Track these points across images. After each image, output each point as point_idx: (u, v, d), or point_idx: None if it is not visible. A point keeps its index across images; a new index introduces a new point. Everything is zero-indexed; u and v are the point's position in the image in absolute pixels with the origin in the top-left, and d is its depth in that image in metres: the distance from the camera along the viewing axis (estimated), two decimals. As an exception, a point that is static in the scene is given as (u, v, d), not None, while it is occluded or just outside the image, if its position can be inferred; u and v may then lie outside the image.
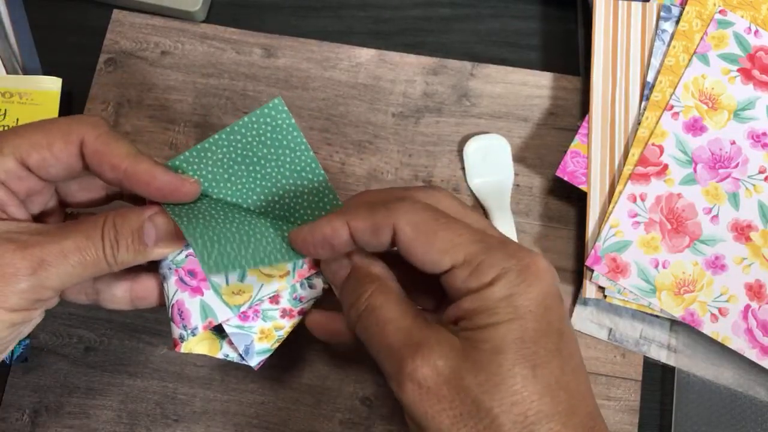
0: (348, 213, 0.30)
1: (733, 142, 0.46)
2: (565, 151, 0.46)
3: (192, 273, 0.32)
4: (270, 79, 0.50)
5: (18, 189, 0.29)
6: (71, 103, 0.49)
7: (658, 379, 0.45)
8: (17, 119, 0.46)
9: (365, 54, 0.50)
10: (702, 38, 0.47)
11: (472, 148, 0.48)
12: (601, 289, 0.44)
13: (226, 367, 0.44)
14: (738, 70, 0.46)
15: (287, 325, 0.34)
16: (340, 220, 0.30)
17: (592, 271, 0.44)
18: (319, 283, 0.34)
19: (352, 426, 0.44)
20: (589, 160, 0.46)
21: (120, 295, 0.33)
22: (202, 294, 0.32)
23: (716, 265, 0.44)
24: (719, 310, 0.43)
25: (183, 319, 0.32)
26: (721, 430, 0.44)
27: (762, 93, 0.46)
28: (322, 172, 0.34)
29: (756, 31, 0.47)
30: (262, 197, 0.34)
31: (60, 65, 0.49)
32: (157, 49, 0.50)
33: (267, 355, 0.34)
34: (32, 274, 0.26)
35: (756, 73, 0.47)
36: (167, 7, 0.50)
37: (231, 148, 0.33)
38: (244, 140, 0.33)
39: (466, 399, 0.26)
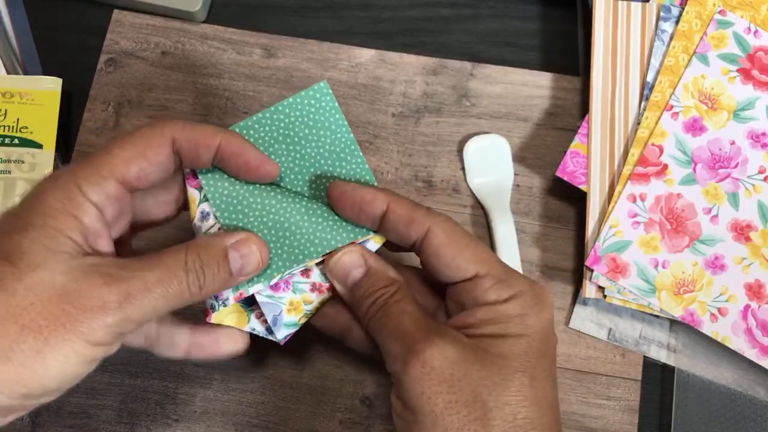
0: (392, 195, 0.32)
1: (733, 142, 0.46)
2: (565, 151, 0.46)
3: None
4: (270, 79, 0.50)
5: (113, 214, 0.29)
6: (71, 103, 0.49)
7: (658, 379, 0.45)
8: (17, 119, 0.46)
9: (365, 54, 0.50)
10: (702, 38, 0.47)
11: (472, 148, 0.48)
12: (601, 289, 0.44)
13: (226, 366, 0.44)
14: (737, 70, 0.47)
15: (316, 300, 0.34)
16: (383, 196, 0.32)
17: (592, 271, 0.44)
18: None
19: (352, 426, 0.44)
20: (589, 160, 0.46)
21: (179, 343, 0.33)
22: None
23: (716, 265, 0.44)
24: (719, 310, 0.43)
25: None
26: (720, 430, 0.44)
27: (762, 93, 0.46)
28: (361, 154, 0.35)
29: (755, 32, 0.47)
30: (299, 177, 0.34)
31: (60, 65, 0.49)
32: (157, 49, 0.50)
33: (294, 329, 0.34)
34: (118, 308, 0.26)
35: (755, 73, 0.47)
36: (167, 7, 0.50)
37: (274, 127, 0.34)
38: (287, 120, 0.34)
39: (465, 387, 0.28)
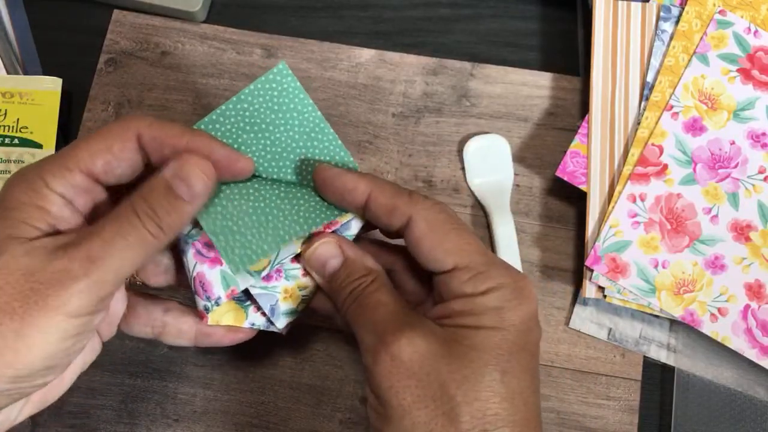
0: (375, 182, 0.31)
1: (733, 142, 0.46)
2: (565, 151, 0.46)
3: (208, 245, 0.32)
4: (270, 79, 0.50)
5: (84, 204, 0.29)
6: (71, 104, 0.49)
7: (658, 379, 0.45)
8: (17, 119, 0.46)
9: (365, 54, 0.50)
10: (701, 38, 0.47)
11: (472, 148, 0.48)
12: (601, 289, 0.44)
13: (225, 366, 0.44)
14: (737, 70, 0.47)
15: (310, 284, 0.34)
16: (365, 183, 0.31)
17: (592, 271, 0.44)
18: None
19: (352, 426, 0.44)
20: (589, 160, 0.46)
21: (186, 330, 0.34)
22: (222, 264, 0.32)
23: (716, 265, 0.44)
24: (719, 309, 0.43)
25: (206, 290, 0.32)
26: (720, 430, 0.44)
27: (761, 93, 0.46)
28: (332, 131, 0.34)
29: (755, 32, 0.47)
30: (273, 164, 0.34)
31: (60, 65, 0.49)
32: (157, 49, 0.50)
33: (293, 317, 0.34)
34: (85, 273, 0.26)
35: (755, 73, 0.47)
36: (167, 7, 0.50)
37: (239, 118, 0.33)
38: (251, 108, 0.33)
39: (433, 382, 0.28)
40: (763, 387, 0.45)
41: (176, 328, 0.33)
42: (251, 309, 0.34)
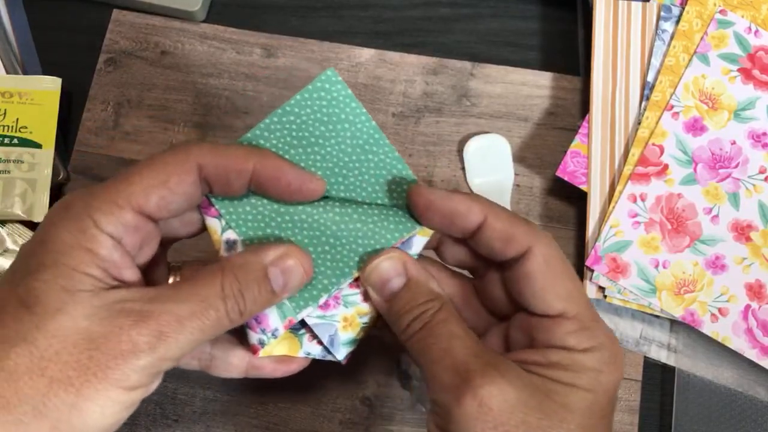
0: (489, 206, 0.29)
1: (734, 142, 0.46)
2: (565, 151, 0.46)
3: None
4: (270, 79, 0.50)
5: (133, 243, 0.27)
6: (71, 103, 0.49)
7: (658, 379, 0.45)
8: (17, 119, 0.46)
9: (365, 54, 0.50)
10: (702, 38, 0.47)
11: (472, 148, 0.48)
12: (602, 289, 0.44)
13: (226, 367, 0.44)
14: (738, 70, 0.46)
15: (371, 311, 0.31)
16: (478, 207, 0.28)
17: (593, 271, 0.44)
18: None
19: (352, 426, 0.44)
20: (589, 160, 0.46)
21: (236, 363, 0.31)
22: None
23: (716, 265, 0.44)
24: (719, 310, 0.43)
25: (260, 323, 0.29)
26: (721, 430, 0.44)
27: (762, 93, 0.46)
28: (388, 142, 0.31)
29: (756, 31, 0.47)
30: (326, 181, 0.31)
31: (60, 65, 0.49)
32: (157, 48, 0.50)
33: (353, 347, 0.31)
34: (151, 350, 0.24)
35: (756, 72, 0.46)
36: (167, 6, 0.50)
37: (285, 131, 0.30)
38: (298, 120, 0.30)
39: None
40: (763, 387, 0.44)
41: (225, 361, 0.31)
42: (306, 338, 0.32)
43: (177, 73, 0.50)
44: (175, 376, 0.44)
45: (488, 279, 0.31)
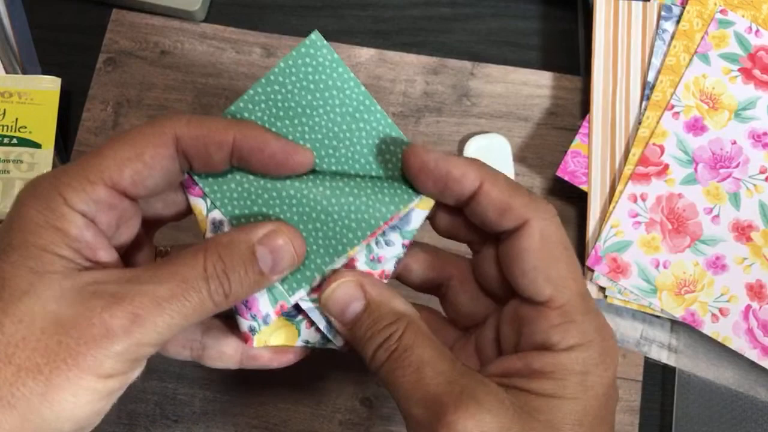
0: (486, 172, 0.26)
1: (734, 142, 0.45)
2: (566, 151, 0.46)
3: None
4: (270, 78, 0.50)
5: (108, 222, 0.25)
6: (70, 103, 0.49)
7: (659, 380, 0.45)
8: (16, 119, 0.46)
9: (365, 53, 0.50)
10: (703, 38, 0.47)
11: (472, 147, 0.48)
12: (602, 289, 0.44)
13: (225, 367, 0.44)
14: (739, 70, 0.46)
15: None
16: (474, 172, 0.26)
17: (593, 271, 0.44)
18: (396, 238, 0.29)
19: (352, 426, 0.44)
20: (590, 160, 0.46)
21: (230, 353, 0.29)
22: None
23: (717, 265, 0.44)
24: (720, 310, 0.43)
25: (250, 308, 0.28)
26: (721, 431, 0.44)
27: (763, 93, 0.46)
28: (379, 108, 0.29)
29: (757, 31, 0.47)
30: (315, 152, 0.29)
31: (59, 65, 0.49)
32: (156, 48, 0.50)
33: None
34: (126, 334, 0.22)
35: (757, 72, 0.46)
36: (167, 6, 0.49)
37: (270, 103, 0.28)
38: (283, 90, 0.28)
39: None
40: (764, 387, 0.44)
41: (217, 350, 0.29)
42: (304, 325, 0.30)
43: (177, 72, 0.50)
44: (175, 376, 0.44)
45: (483, 254, 0.28)
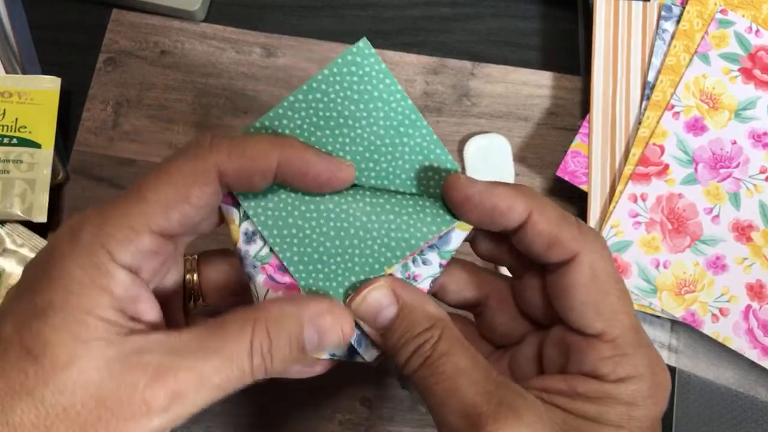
0: (534, 201, 0.25)
1: (734, 142, 0.45)
2: (566, 151, 0.46)
3: (283, 268, 0.27)
4: (270, 78, 0.50)
5: (153, 268, 0.24)
6: (70, 103, 0.49)
7: (659, 380, 0.45)
8: (16, 119, 0.46)
9: (365, 53, 0.50)
10: (703, 38, 0.47)
11: (472, 147, 0.48)
12: (602, 289, 0.44)
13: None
14: (739, 70, 0.46)
15: None
16: (522, 203, 0.25)
17: (593, 271, 0.44)
18: (434, 258, 0.28)
19: (352, 426, 0.44)
20: (590, 160, 0.46)
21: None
22: (299, 290, 0.27)
23: (717, 265, 0.44)
24: (720, 310, 0.43)
25: None
26: (721, 431, 0.44)
27: (763, 93, 0.46)
28: (426, 123, 0.28)
29: (757, 31, 0.47)
30: (355, 167, 0.28)
31: (59, 64, 0.49)
32: (156, 48, 0.50)
33: None
34: (165, 411, 0.22)
35: (757, 72, 0.46)
36: (167, 6, 0.49)
37: (311, 111, 0.27)
38: (325, 98, 0.27)
39: None
40: (764, 387, 0.44)
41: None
42: None
43: (176, 72, 0.50)
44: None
45: (527, 281, 0.28)
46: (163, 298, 0.26)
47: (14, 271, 0.43)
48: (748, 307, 0.43)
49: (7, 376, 0.21)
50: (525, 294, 0.28)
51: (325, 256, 0.27)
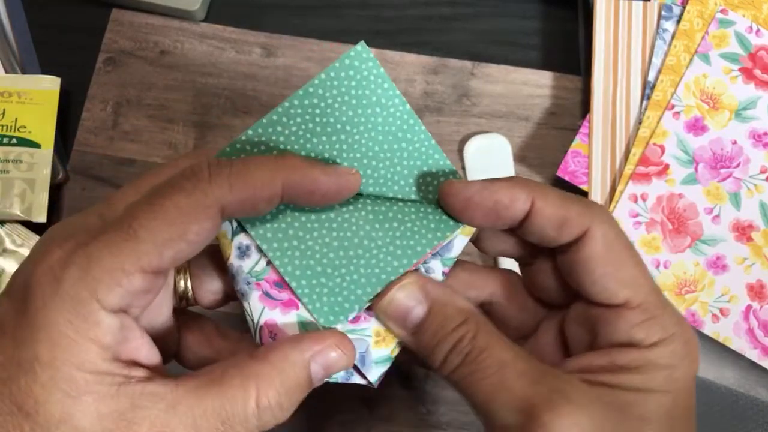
0: (535, 189, 0.25)
1: (735, 142, 0.45)
2: (566, 151, 0.46)
3: (280, 284, 0.26)
4: (269, 78, 0.49)
5: (143, 305, 0.23)
6: (70, 103, 0.49)
7: (659, 380, 0.45)
8: (15, 119, 0.46)
9: (365, 53, 0.50)
10: (703, 37, 0.47)
11: (472, 147, 0.48)
12: (602, 289, 0.44)
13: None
14: (739, 70, 0.46)
15: None
16: (523, 192, 0.25)
17: (593, 271, 0.44)
18: (437, 266, 0.27)
19: (352, 426, 0.44)
20: (590, 160, 0.46)
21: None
22: (298, 307, 0.26)
23: (717, 265, 0.44)
24: (720, 310, 0.43)
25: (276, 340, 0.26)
26: (721, 431, 0.44)
27: (763, 92, 0.46)
28: (424, 129, 0.27)
29: (757, 31, 0.47)
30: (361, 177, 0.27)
31: (59, 64, 0.49)
32: (156, 48, 0.50)
33: (387, 365, 0.27)
34: None
35: (757, 72, 0.46)
36: (166, 6, 0.49)
37: (307, 117, 0.26)
38: (322, 103, 0.26)
39: None
40: (764, 388, 0.44)
41: None
42: None
43: (176, 72, 0.49)
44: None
45: (538, 267, 0.27)
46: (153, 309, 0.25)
47: (13, 271, 0.43)
48: (749, 307, 0.43)
49: (6, 429, 0.20)
50: (537, 279, 0.28)
51: (329, 269, 0.25)
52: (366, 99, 0.26)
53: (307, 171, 0.23)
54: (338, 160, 0.26)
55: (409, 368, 0.45)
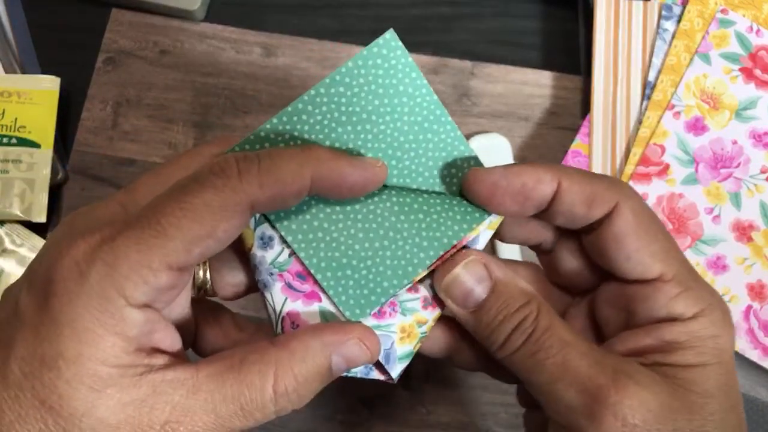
0: (560, 170, 0.25)
1: (735, 142, 0.45)
2: (566, 151, 0.46)
3: (302, 275, 0.25)
4: (269, 78, 0.49)
5: (168, 299, 0.23)
6: (70, 103, 0.49)
7: (659, 380, 0.45)
8: (15, 119, 0.46)
9: (365, 53, 0.50)
10: (703, 37, 0.47)
11: (472, 147, 0.48)
12: (602, 289, 0.44)
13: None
14: (739, 70, 0.46)
15: (430, 318, 0.26)
16: (549, 175, 0.24)
17: (593, 271, 0.44)
18: None
19: (352, 426, 0.43)
20: (590, 160, 0.46)
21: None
22: (320, 299, 0.25)
23: (718, 265, 0.44)
24: (721, 310, 0.43)
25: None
26: (722, 431, 0.44)
27: (764, 92, 0.46)
28: (450, 120, 0.27)
29: (758, 31, 0.47)
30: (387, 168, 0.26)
31: (58, 64, 0.49)
32: (156, 48, 0.50)
33: (408, 361, 0.26)
34: None
35: (758, 72, 0.46)
36: (166, 5, 0.49)
37: (333, 106, 0.25)
38: (348, 93, 0.25)
39: None
40: (764, 388, 0.44)
41: None
42: None
43: (176, 72, 0.49)
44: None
45: (560, 253, 0.27)
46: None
47: (13, 271, 0.43)
48: (749, 307, 0.43)
49: (30, 425, 0.20)
50: (561, 266, 0.27)
51: (354, 260, 0.25)
52: (393, 88, 0.26)
53: (334, 164, 0.23)
54: (363, 151, 0.26)
55: (409, 368, 0.45)
